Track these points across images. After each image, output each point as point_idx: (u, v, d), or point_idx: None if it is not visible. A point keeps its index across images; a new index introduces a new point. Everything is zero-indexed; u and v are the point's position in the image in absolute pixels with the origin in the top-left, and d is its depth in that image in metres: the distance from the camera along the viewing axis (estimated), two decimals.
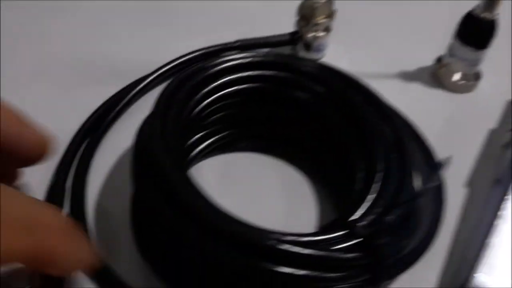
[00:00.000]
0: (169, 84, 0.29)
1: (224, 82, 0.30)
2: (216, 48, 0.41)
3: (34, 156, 0.21)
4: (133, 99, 0.37)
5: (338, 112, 0.31)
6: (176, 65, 0.40)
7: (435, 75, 0.44)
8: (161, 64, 0.39)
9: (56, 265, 0.18)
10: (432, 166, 0.34)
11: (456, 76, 0.42)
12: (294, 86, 0.32)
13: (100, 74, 0.40)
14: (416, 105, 0.39)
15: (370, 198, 0.27)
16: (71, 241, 0.18)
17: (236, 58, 0.31)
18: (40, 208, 0.17)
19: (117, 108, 0.36)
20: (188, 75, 0.29)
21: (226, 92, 0.31)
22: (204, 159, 0.33)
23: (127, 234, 0.29)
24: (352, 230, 0.25)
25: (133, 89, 0.37)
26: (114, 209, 0.30)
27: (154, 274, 0.27)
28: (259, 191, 0.33)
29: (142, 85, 0.38)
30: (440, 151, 0.35)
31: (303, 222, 0.31)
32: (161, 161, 0.25)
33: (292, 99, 0.32)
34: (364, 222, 0.25)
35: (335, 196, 0.32)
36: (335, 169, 0.32)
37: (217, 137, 0.32)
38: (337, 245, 0.24)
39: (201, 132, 0.32)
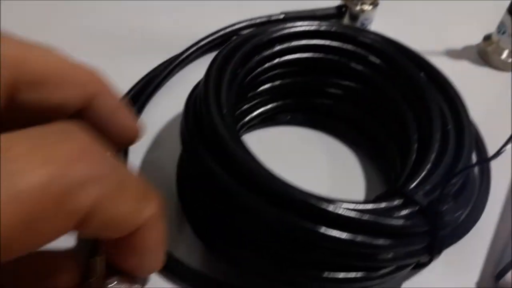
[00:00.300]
0: (223, 49, 0.29)
1: (280, 50, 0.30)
2: (261, 20, 0.41)
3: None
4: (174, 70, 0.37)
5: (396, 85, 0.31)
6: (220, 36, 0.40)
7: (482, 53, 0.43)
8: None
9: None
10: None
11: (505, 54, 0.41)
12: (352, 57, 0.31)
13: (144, 46, 0.40)
14: (462, 83, 0.38)
15: (427, 167, 0.26)
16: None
17: (296, 25, 0.30)
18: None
19: (160, 78, 0.36)
20: (243, 41, 0.29)
21: (281, 60, 0.30)
22: (250, 131, 0.33)
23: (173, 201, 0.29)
24: (410, 198, 0.24)
25: (175, 60, 0.37)
26: (157, 181, 0.30)
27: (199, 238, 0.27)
28: (307, 165, 0.33)
29: (185, 55, 0.38)
30: (486, 130, 0.34)
31: (353, 196, 0.31)
32: (217, 124, 0.25)
33: (349, 71, 0.31)
34: (421, 191, 0.25)
35: (387, 168, 0.31)
36: (388, 142, 0.32)
37: (267, 107, 0.32)
38: (395, 212, 0.24)
39: (251, 102, 0.31)
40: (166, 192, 0.29)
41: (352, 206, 0.23)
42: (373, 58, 0.31)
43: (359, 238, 0.22)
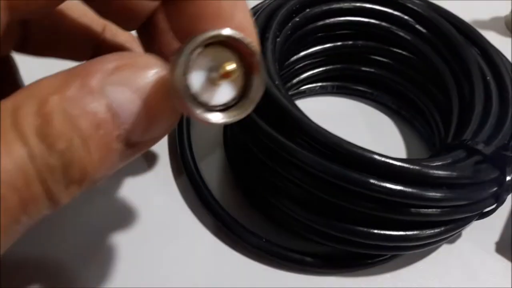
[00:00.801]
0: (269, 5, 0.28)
1: (329, 10, 0.29)
2: None
3: None
4: None
5: (439, 52, 0.30)
6: None
7: (510, 24, 0.42)
8: None
9: None
10: None
11: None
12: (398, 24, 0.31)
13: None
14: None
15: (477, 120, 0.26)
16: None
17: None
18: None
19: None
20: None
21: (328, 22, 0.30)
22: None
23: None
24: (473, 149, 0.24)
25: None
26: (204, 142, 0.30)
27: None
28: (348, 134, 0.32)
29: None
30: None
31: None
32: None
33: (393, 37, 0.31)
34: (480, 141, 0.24)
35: (428, 132, 0.31)
36: (429, 105, 0.31)
37: (312, 72, 0.32)
38: (462, 163, 0.23)
39: (296, 65, 0.31)
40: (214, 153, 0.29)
41: (421, 162, 0.23)
42: (418, 26, 0.31)
43: (433, 193, 0.22)
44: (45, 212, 0.15)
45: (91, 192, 0.23)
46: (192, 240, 0.26)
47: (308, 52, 0.31)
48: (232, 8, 0.17)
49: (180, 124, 0.30)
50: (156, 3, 0.20)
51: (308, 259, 0.25)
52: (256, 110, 0.24)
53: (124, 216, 0.26)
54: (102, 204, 0.26)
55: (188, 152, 0.28)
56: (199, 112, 0.15)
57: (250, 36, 0.17)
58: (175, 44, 0.19)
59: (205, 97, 0.15)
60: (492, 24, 0.43)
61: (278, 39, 0.28)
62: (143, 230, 0.26)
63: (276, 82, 0.25)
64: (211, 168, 0.29)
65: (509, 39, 0.42)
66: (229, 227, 0.26)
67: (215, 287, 0.24)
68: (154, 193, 0.27)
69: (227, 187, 0.28)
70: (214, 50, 0.15)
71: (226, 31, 0.15)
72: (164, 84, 0.16)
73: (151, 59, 0.16)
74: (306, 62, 0.31)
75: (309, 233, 0.25)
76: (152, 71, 0.16)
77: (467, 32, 0.31)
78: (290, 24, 0.29)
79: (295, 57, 0.31)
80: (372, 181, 0.21)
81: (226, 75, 0.15)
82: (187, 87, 0.15)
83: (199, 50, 0.15)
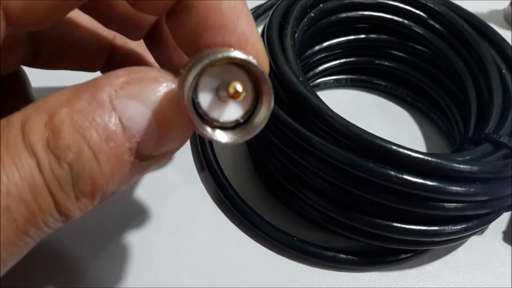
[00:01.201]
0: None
1: (343, 4, 0.29)
2: None
3: None
4: None
5: (452, 46, 0.31)
6: None
7: (508, 17, 0.43)
8: None
9: None
10: None
11: None
12: (411, 19, 0.31)
13: None
14: None
15: (498, 113, 0.26)
16: None
17: None
18: None
19: None
20: None
21: (342, 16, 0.30)
22: None
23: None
24: (499, 142, 0.24)
25: None
26: None
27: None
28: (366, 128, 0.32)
29: None
30: None
31: None
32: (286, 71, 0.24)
33: (407, 32, 0.31)
34: (505, 134, 0.24)
35: (447, 126, 0.31)
36: (446, 100, 0.31)
37: (325, 66, 0.31)
38: (490, 157, 0.23)
39: (313, 57, 0.31)
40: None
41: (453, 156, 0.23)
42: (431, 21, 0.31)
43: (472, 188, 0.22)
44: (55, 225, 0.15)
45: None
46: (218, 235, 0.26)
47: (323, 46, 0.31)
48: (235, 17, 0.16)
49: None
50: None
51: (341, 255, 0.25)
52: (279, 102, 0.24)
53: (143, 210, 0.26)
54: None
55: (208, 148, 0.28)
56: (206, 132, 0.15)
57: (255, 44, 0.17)
58: (182, 52, 0.18)
59: (213, 115, 0.15)
60: (491, 17, 0.43)
61: (296, 35, 0.28)
62: (166, 221, 0.26)
63: (301, 79, 0.24)
64: (233, 162, 0.28)
65: (508, 32, 0.43)
66: (254, 223, 0.25)
67: (237, 279, 0.24)
68: (178, 186, 0.27)
69: (250, 181, 0.28)
70: (223, 67, 0.15)
71: (235, 54, 0.15)
72: (174, 98, 0.16)
73: (160, 73, 0.16)
74: (320, 56, 0.31)
75: (330, 224, 0.25)
76: (162, 85, 0.16)
77: (479, 27, 0.31)
78: (305, 19, 0.29)
79: (309, 51, 0.31)
80: (406, 177, 0.21)
81: (234, 95, 0.15)
82: (195, 108, 0.15)
83: (207, 69, 0.15)
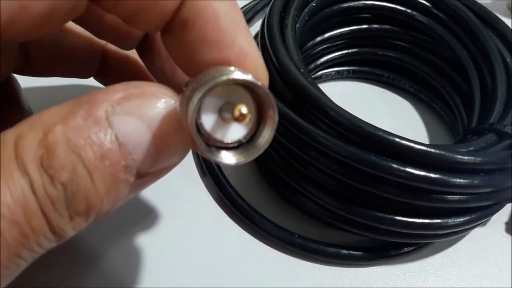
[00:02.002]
0: None
1: None
2: None
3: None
4: None
5: (456, 35, 0.30)
6: None
7: None
8: None
9: None
10: None
11: None
12: (414, 8, 0.30)
13: None
14: None
15: (502, 103, 0.26)
16: None
17: None
18: None
19: None
20: None
21: (343, 6, 0.29)
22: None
23: None
24: (503, 132, 0.24)
25: None
26: None
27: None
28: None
29: None
30: None
31: None
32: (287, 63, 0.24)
33: (409, 21, 0.31)
34: (509, 124, 0.24)
35: (450, 117, 0.31)
36: (449, 90, 0.31)
37: (327, 58, 0.31)
38: (495, 147, 0.23)
39: (315, 48, 0.30)
40: None
41: (456, 147, 0.23)
42: (434, 9, 0.30)
43: (476, 179, 0.22)
44: (48, 245, 0.14)
45: None
46: (221, 234, 0.25)
47: (324, 37, 0.31)
48: (233, 32, 0.16)
49: None
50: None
51: (343, 251, 0.24)
52: (279, 95, 0.24)
53: (148, 213, 0.25)
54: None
55: None
56: (211, 155, 0.15)
57: (254, 59, 0.16)
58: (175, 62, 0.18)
59: (217, 136, 0.15)
60: (495, 6, 0.43)
61: (297, 25, 0.27)
62: (167, 220, 0.25)
63: (302, 70, 0.24)
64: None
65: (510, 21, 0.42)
66: (254, 222, 0.25)
67: (239, 278, 0.24)
68: (180, 185, 0.27)
69: (251, 177, 0.27)
70: (226, 87, 0.15)
71: (243, 76, 0.14)
72: (173, 114, 0.15)
73: (160, 88, 0.15)
74: (322, 47, 0.31)
75: (332, 219, 0.24)
76: (161, 101, 0.15)
77: (483, 15, 0.30)
78: (306, 9, 0.28)
79: (311, 42, 0.30)
80: (409, 170, 0.21)
81: (240, 118, 0.14)
82: (198, 130, 0.15)
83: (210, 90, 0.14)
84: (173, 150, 0.16)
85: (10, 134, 0.14)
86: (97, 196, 0.14)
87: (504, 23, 0.30)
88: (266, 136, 0.15)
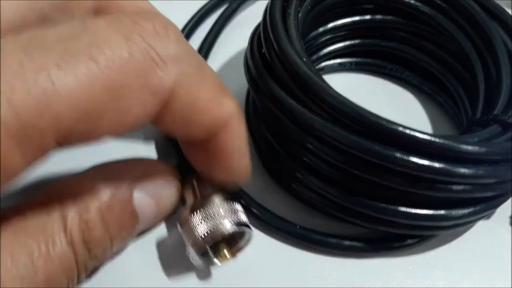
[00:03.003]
0: None
1: None
2: None
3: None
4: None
5: (459, 25, 0.30)
6: None
7: None
8: None
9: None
10: None
11: None
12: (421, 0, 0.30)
13: None
14: None
15: (507, 93, 0.26)
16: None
17: None
18: None
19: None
20: None
21: None
22: None
23: None
24: (507, 123, 0.23)
25: None
26: None
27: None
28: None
29: None
30: None
31: None
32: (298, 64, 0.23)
33: (412, 11, 0.30)
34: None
35: (454, 108, 0.30)
36: (452, 81, 0.31)
37: (329, 49, 0.31)
38: (498, 138, 0.23)
39: (317, 40, 0.30)
40: None
41: (461, 138, 0.22)
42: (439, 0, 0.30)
43: (480, 170, 0.21)
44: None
45: None
46: None
47: (327, 28, 0.30)
48: (239, 161, 0.20)
49: None
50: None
51: (346, 242, 0.24)
52: (282, 85, 0.24)
53: None
54: None
55: None
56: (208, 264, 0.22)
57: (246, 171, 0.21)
58: None
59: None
60: None
61: (299, 15, 0.27)
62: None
63: (304, 59, 0.24)
64: None
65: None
66: (255, 213, 0.25)
67: (239, 269, 0.23)
68: None
69: (253, 169, 0.27)
70: None
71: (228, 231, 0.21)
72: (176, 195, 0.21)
73: (171, 176, 0.21)
74: (324, 38, 0.31)
75: (334, 210, 0.24)
76: (173, 190, 0.21)
77: (488, 6, 0.30)
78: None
79: (313, 33, 0.30)
80: (413, 159, 0.21)
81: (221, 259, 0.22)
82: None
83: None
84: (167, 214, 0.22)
85: (55, 208, 0.17)
86: (110, 252, 0.19)
87: (508, 13, 0.30)
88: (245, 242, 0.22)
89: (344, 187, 0.23)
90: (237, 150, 0.19)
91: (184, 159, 0.22)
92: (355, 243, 0.24)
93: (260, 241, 0.24)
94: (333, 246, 0.24)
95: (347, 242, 0.24)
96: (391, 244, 0.24)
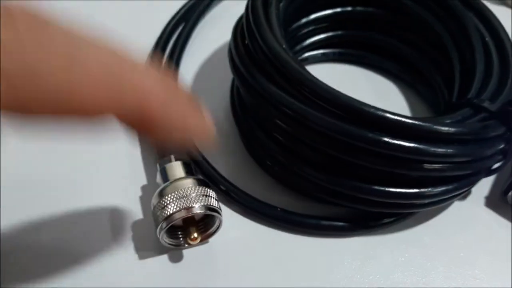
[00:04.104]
0: None
1: None
2: None
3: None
4: None
5: (436, 14, 0.31)
6: None
7: None
8: None
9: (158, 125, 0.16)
10: None
11: None
12: None
13: None
14: None
15: (480, 78, 0.27)
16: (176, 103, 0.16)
17: None
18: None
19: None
20: None
21: None
22: None
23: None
24: (480, 106, 0.24)
25: None
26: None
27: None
28: None
29: None
30: None
31: None
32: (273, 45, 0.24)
33: (391, 2, 0.31)
34: (486, 99, 0.25)
35: (432, 94, 0.31)
36: (430, 67, 0.32)
37: (312, 39, 0.32)
38: (470, 120, 0.24)
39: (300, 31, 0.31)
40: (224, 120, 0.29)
41: (431, 119, 0.23)
42: None
43: (449, 149, 0.22)
44: None
45: None
46: None
47: (310, 19, 0.31)
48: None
49: None
50: None
51: (324, 222, 0.25)
52: (265, 73, 0.25)
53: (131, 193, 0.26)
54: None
55: None
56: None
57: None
58: None
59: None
60: None
61: (281, 4, 0.28)
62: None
63: (284, 46, 0.25)
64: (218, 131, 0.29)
65: (498, 7, 0.42)
66: (234, 197, 0.26)
67: (225, 253, 0.24)
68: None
69: (234, 151, 0.28)
70: None
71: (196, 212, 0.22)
72: None
73: None
74: (307, 29, 0.32)
75: (320, 193, 0.25)
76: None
77: None
78: None
79: (296, 24, 0.31)
80: (385, 139, 0.22)
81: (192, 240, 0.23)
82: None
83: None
84: None
85: None
86: None
87: (482, 3, 0.31)
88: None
89: (320, 167, 0.24)
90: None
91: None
92: (333, 223, 0.25)
93: (241, 224, 0.26)
94: (312, 227, 0.25)
95: (325, 222, 0.25)
96: (368, 223, 0.25)
